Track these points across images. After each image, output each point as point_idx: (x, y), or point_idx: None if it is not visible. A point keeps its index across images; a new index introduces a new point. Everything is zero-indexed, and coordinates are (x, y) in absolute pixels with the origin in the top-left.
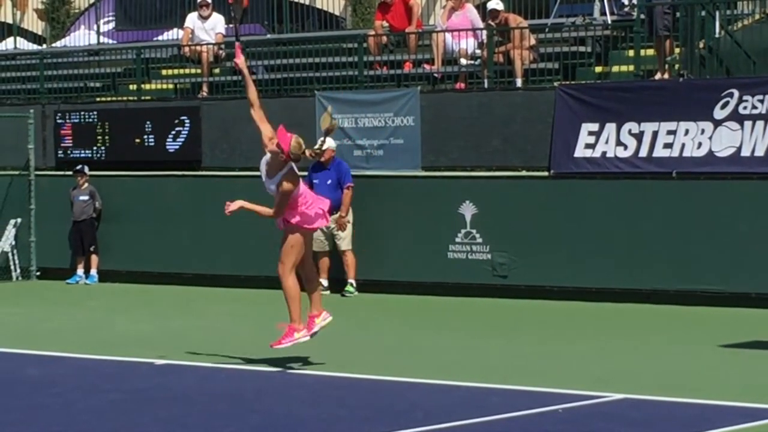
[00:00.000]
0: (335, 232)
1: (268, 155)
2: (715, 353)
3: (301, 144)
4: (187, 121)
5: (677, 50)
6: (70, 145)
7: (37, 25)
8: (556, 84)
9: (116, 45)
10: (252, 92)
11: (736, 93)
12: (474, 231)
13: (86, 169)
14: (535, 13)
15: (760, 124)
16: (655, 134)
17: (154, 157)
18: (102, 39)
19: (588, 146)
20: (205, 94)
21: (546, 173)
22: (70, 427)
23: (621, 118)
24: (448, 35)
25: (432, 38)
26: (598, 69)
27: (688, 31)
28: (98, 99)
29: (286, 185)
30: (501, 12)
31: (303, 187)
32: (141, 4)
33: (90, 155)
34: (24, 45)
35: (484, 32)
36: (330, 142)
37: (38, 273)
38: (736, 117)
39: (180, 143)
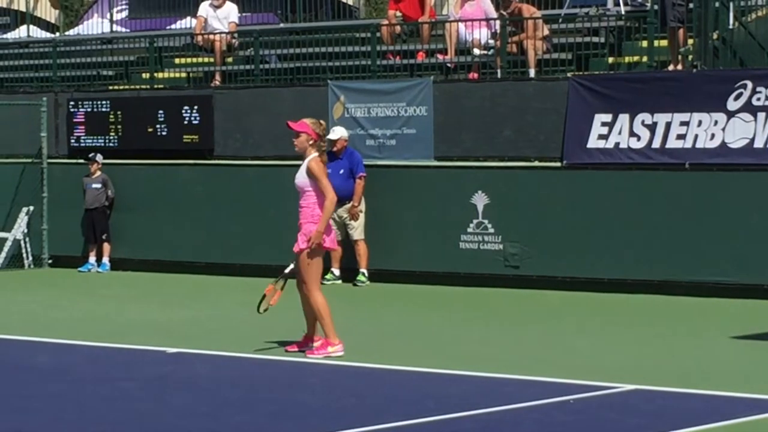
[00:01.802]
0: (347, 222)
1: (304, 165)
2: (727, 344)
3: (320, 122)
4: (200, 110)
5: (691, 41)
6: (83, 133)
7: (50, 13)
8: (569, 74)
9: (129, 33)
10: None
11: (750, 84)
12: (486, 221)
13: (99, 157)
14: (549, 3)
15: None
16: (668, 125)
17: (166, 145)
18: (115, 27)
19: (601, 137)
20: (217, 83)
21: (559, 164)
22: (82, 415)
23: (634, 109)
24: (461, 25)
25: (445, 28)
26: (612, 59)
27: (702, 21)
28: (111, 87)
29: (316, 164)
30: (514, 1)
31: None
32: None
33: (102, 143)
34: (37, 33)
35: (498, 22)
36: (342, 132)
37: (50, 261)
38: (750, 108)
39: (192, 132)
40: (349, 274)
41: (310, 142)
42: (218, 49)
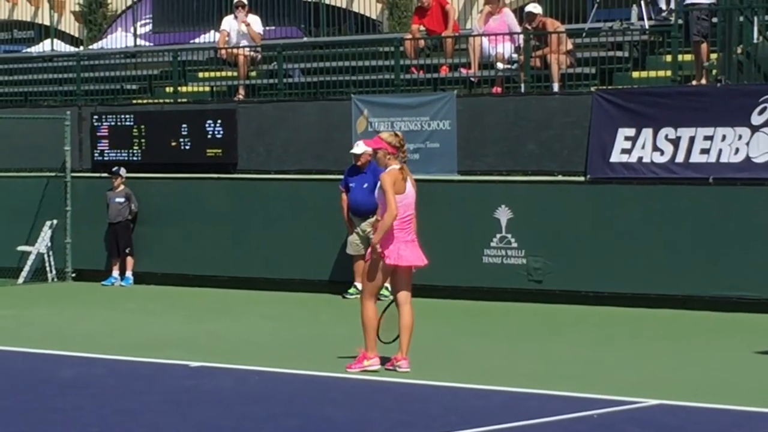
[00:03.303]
0: (371, 236)
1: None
2: (750, 359)
3: (396, 134)
4: (223, 124)
5: (715, 55)
6: (107, 147)
7: (74, 27)
8: (592, 89)
9: (153, 47)
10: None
11: None
12: (509, 235)
13: (123, 171)
14: (573, 17)
15: None
16: (692, 140)
17: (190, 159)
18: (139, 41)
19: (624, 151)
20: (241, 96)
21: (582, 178)
22: (105, 428)
23: (658, 124)
24: (484, 39)
25: (469, 42)
26: (636, 74)
27: (726, 36)
28: (135, 101)
29: (386, 177)
30: (538, 15)
31: (401, 219)
32: (178, 6)
33: (126, 157)
34: (61, 47)
35: (521, 36)
36: (366, 146)
37: (74, 274)
38: None
39: (216, 146)
40: None
41: (389, 157)
42: (242, 63)
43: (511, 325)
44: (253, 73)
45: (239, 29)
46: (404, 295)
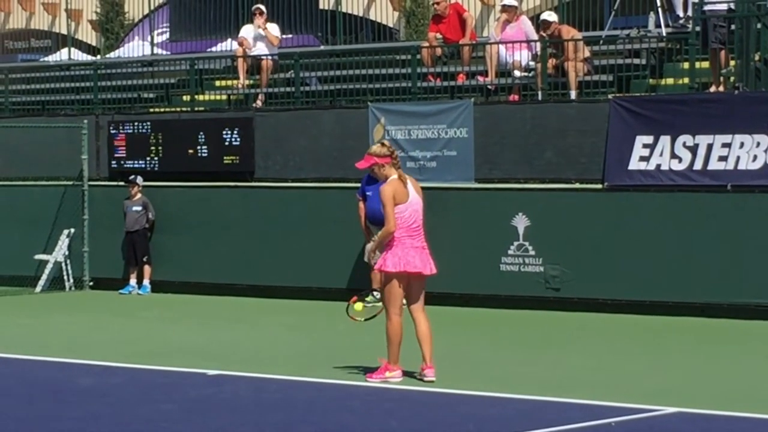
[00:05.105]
0: None
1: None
2: None
3: (382, 143)
4: (240, 132)
5: (732, 62)
6: (124, 155)
7: (91, 36)
8: (610, 96)
9: (170, 56)
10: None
11: None
12: (527, 243)
13: (140, 179)
14: (590, 25)
15: None
16: (709, 147)
17: (207, 167)
18: (156, 50)
19: (642, 159)
20: (259, 104)
21: (600, 186)
22: None
23: (675, 131)
24: (501, 47)
25: (486, 50)
26: (653, 81)
27: (744, 43)
28: (152, 110)
29: (386, 189)
30: (553, 23)
31: (408, 226)
32: (195, 15)
33: (143, 166)
34: (78, 56)
35: (538, 44)
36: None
37: (91, 283)
38: None
39: (233, 154)
40: None
41: (383, 169)
42: (265, 68)
43: (528, 333)
44: (270, 81)
45: (256, 34)
46: (418, 305)
